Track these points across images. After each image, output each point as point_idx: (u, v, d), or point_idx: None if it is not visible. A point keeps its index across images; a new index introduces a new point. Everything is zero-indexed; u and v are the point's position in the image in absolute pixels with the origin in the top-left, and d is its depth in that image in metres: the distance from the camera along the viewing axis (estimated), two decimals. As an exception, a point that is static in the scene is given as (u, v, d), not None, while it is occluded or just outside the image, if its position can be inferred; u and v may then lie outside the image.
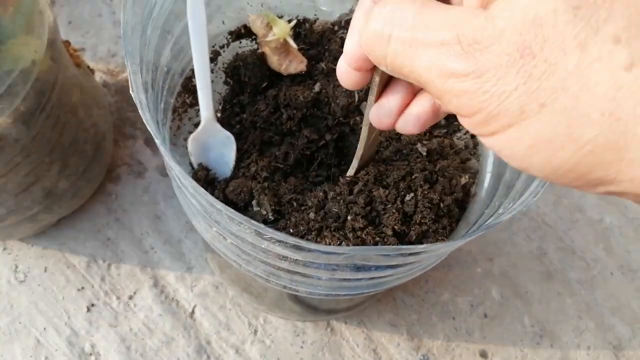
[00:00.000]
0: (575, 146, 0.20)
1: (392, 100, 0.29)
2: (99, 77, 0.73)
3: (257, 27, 0.48)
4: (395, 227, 0.40)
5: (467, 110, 0.22)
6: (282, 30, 0.47)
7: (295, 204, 0.42)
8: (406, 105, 0.29)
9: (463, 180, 0.43)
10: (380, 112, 0.29)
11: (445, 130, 0.47)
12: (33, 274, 0.62)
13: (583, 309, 0.67)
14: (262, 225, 0.28)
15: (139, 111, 0.29)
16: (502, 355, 0.63)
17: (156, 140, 0.29)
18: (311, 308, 0.58)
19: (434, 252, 0.32)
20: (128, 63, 0.30)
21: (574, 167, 0.20)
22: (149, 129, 0.29)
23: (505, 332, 0.65)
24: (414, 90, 0.28)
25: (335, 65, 0.49)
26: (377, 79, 0.29)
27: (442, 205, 0.42)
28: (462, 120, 0.23)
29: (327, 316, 0.61)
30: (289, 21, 0.49)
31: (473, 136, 0.47)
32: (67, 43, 0.61)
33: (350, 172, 0.42)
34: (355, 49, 0.26)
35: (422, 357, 0.62)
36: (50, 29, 0.48)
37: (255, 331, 0.62)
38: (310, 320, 0.62)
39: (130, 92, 0.29)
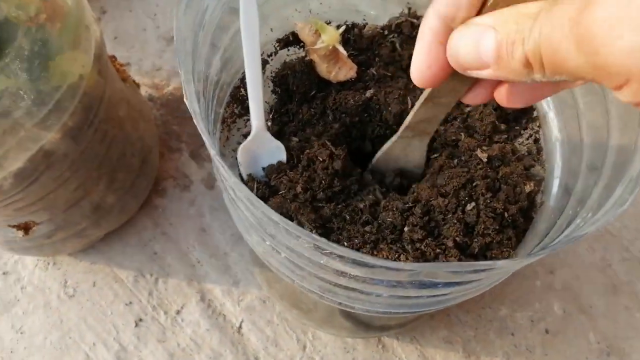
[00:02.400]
0: None
1: None
2: (144, 91, 0.74)
3: (305, 34, 0.46)
4: (457, 238, 0.38)
5: None
6: (330, 37, 0.45)
7: (347, 216, 0.40)
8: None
9: (528, 188, 0.40)
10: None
11: (506, 136, 0.44)
12: (82, 289, 0.62)
13: (653, 324, 0.62)
14: (322, 239, 0.26)
15: (194, 120, 0.27)
16: (566, 374, 0.60)
17: (211, 151, 0.28)
18: (362, 324, 0.56)
19: (506, 268, 0.30)
20: (182, 72, 0.29)
21: None
22: (204, 138, 0.27)
23: (569, 349, 0.61)
24: None
25: (386, 70, 0.48)
26: None
27: (506, 215, 0.39)
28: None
29: (378, 333, 0.59)
30: (338, 27, 0.47)
31: (536, 141, 0.44)
32: (113, 58, 0.61)
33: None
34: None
35: (479, 376, 0.59)
36: (97, 43, 0.48)
37: (304, 347, 0.60)
38: (360, 337, 0.60)
39: (185, 100, 0.28)
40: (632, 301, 0.63)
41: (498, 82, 0.27)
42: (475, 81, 0.29)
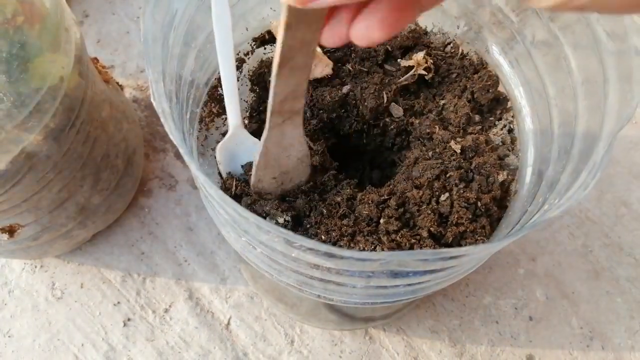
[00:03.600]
0: None
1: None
2: (128, 93, 0.74)
3: (280, 32, 0.47)
4: (431, 228, 0.39)
5: None
6: None
7: (324, 210, 0.41)
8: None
9: (501, 177, 0.41)
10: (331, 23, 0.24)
11: (480, 127, 0.45)
12: (70, 291, 0.62)
13: (635, 308, 0.63)
14: (291, 233, 0.27)
15: (162, 120, 0.28)
16: (550, 359, 0.61)
17: (180, 150, 0.29)
18: (348, 317, 0.57)
19: (475, 255, 0.31)
20: (149, 72, 0.29)
21: None
22: (171, 138, 0.28)
23: (552, 335, 0.62)
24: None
25: (362, 66, 0.48)
26: None
27: (479, 204, 0.40)
28: None
29: (364, 324, 0.60)
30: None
31: (510, 131, 0.45)
32: (95, 60, 0.62)
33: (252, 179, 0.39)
34: None
35: (465, 364, 0.60)
36: (77, 45, 0.48)
37: (292, 342, 0.61)
38: (347, 329, 0.61)
39: (152, 100, 0.28)
40: (613, 286, 0.64)
41: (353, 14, 0.24)
42: (325, 20, 0.25)
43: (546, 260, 0.65)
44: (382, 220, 0.39)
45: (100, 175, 0.56)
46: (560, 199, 0.30)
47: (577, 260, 0.66)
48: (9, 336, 0.60)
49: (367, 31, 0.23)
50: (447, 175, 0.40)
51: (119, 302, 0.62)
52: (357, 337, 0.61)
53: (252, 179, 0.40)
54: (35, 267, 0.63)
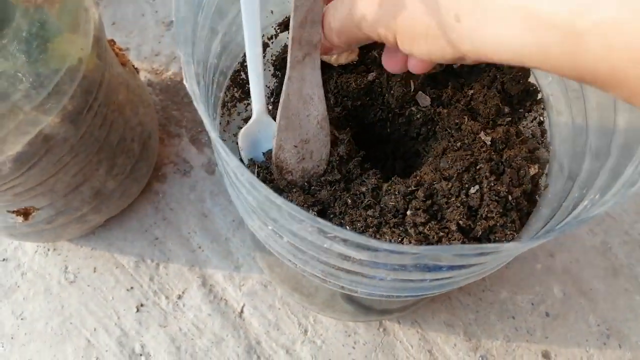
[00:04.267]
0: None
1: None
2: (143, 76, 0.73)
3: (304, 18, 0.46)
4: (460, 222, 0.38)
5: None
6: None
7: (349, 200, 0.40)
8: None
9: (532, 171, 0.40)
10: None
11: (510, 119, 0.43)
12: (82, 275, 0.62)
13: (653, 307, 0.62)
14: (327, 223, 0.26)
15: (194, 102, 0.27)
16: (566, 356, 0.60)
17: (211, 134, 0.28)
18: (364, 308, 0.56)
19: (512, 251, 0.30)
20: (182, 54, 0.28)
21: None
22: (204, 120, 0.27)
23: (569, 332, 0.61)
24: None
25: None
26: None
27: (510, 198, 0.39)
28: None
29: (379, 316, 0.59)
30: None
31: (540, 124, 0.44)
32: (112, 42, 0.61)
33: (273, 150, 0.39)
34: None
35: (480, 359, 0.60)
36: (96, 26, 0.47)
37: (306, 331, 0.60)
38: (362, 320, 0.60)
39: (184, 82, 0.27)
40: (632, 284, 0.63)
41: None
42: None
43: (564, 257, 0.64)
44: (409, 212, 0.38)
45: (116, 160, 0.55)
46: (603, 196, 0.29)
47: (596, 257, 0.65)
48: (21, 319, 0.59)
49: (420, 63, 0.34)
50: (477, 167, 0.39)
51: (132, 288, 0.61)
52: (371, 328, 0.60)
53: (274, 149, 0.39)
54: (48, 250, 0.63)
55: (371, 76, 0.46)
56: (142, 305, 0.61)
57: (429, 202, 0.38)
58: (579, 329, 0.61)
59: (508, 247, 0.27)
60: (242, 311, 0.61)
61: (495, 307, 0.62)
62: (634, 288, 0.63)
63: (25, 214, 0.52)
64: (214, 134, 0.28)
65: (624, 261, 0.65)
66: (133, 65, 0.63)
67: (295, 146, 0.40)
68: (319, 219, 0.26)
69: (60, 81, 0.43)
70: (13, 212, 0.51)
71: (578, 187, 0.36)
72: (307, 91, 0.38)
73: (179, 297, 0.61)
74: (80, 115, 0.46)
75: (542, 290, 0.63)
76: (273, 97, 0.47)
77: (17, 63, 0.40)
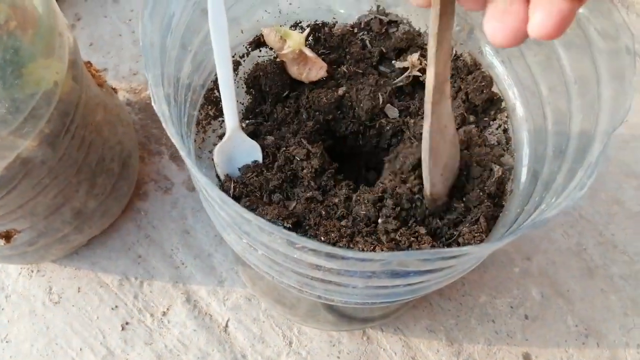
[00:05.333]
0: None
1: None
2: (122, 95, 0.74)
3: (272, 40, 0.47)
4: (425, 221, 0.39)
5: None
6: (295, 42, 0.46)
7: (323, 212, 0.41)
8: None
9: (497, 172, 0.41)
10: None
11: (475, 127, 0.45)
12: (67, 295, 0.62)
13: (629, 306, 0.64)
14: (294, 234, 0.27)
15: (163, 124, 0.28)
16: (546, 357, 0.61)
17: (181, 153, 0.29)
18: (346, 317, 0.57)
19: (475, 254, 0.31)
20: (149, 76, 0.29)
21: None
22: (173, 141, 0.28)
23: (548, 333, 0.62)
24: None
25: (357, 67, 0.49)
26: None
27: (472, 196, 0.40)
28: None
29: (362, 325, 0.60)
30: (307, 27, 0.48)
31: (505, 131, 0.46)
32: (88, 64, 0.62)
33: (426, 189, 0.39)
34: None
35: (463, 363, 0.61)
36: (71, 50, 0.48)
37: (290, 343, 0.61)
38: (345, 329, 0.61)
39: (153, 104, 0.28)
40: (607, 284, 0.65)
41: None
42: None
43: (541, 259, 0.66)
44: (380, 220, 0.39)
45: (96, 180, 0.56)
46: (557, 199, 0.31)
47: (572, 258, 0.66)
48: (6, 341, 0.59)
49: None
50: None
51: (116, 306, 0.62)
52: (355, 337, 0.61)
53: (427, 188, 0.39)
54: (32, 271, 0.63)
55: (341, 91, 0.47)
56: (127, 323, 0.61)
57: (398, 208, 0.40)
58: (557, 329, 0.63)
59: (468, 249, 0.28)
60: (227, 325, 0.61)
61: (475, 312, 0.63)
62: (610, 288, 0.65)
63: (7, 236, 0.52)
64: (183, 153, 0.29)
65: (599, 262, 0.66)
66: (111, 86, 0.64)
67: (442, 175, 0.40)
68: (285, 231, 0.27)
69: (36, 105, 0.44)
70: (-6, 235, 0.52)
71: (538, 191, 0.37)
72: (443, 122, 0.37)
73: (164, 313, 0.62)
74: (58, 138, 0.47)
75: (520, 293, 0.64)
76: (247, 113, 0.48)
77: (-8, 89, 0.40)
